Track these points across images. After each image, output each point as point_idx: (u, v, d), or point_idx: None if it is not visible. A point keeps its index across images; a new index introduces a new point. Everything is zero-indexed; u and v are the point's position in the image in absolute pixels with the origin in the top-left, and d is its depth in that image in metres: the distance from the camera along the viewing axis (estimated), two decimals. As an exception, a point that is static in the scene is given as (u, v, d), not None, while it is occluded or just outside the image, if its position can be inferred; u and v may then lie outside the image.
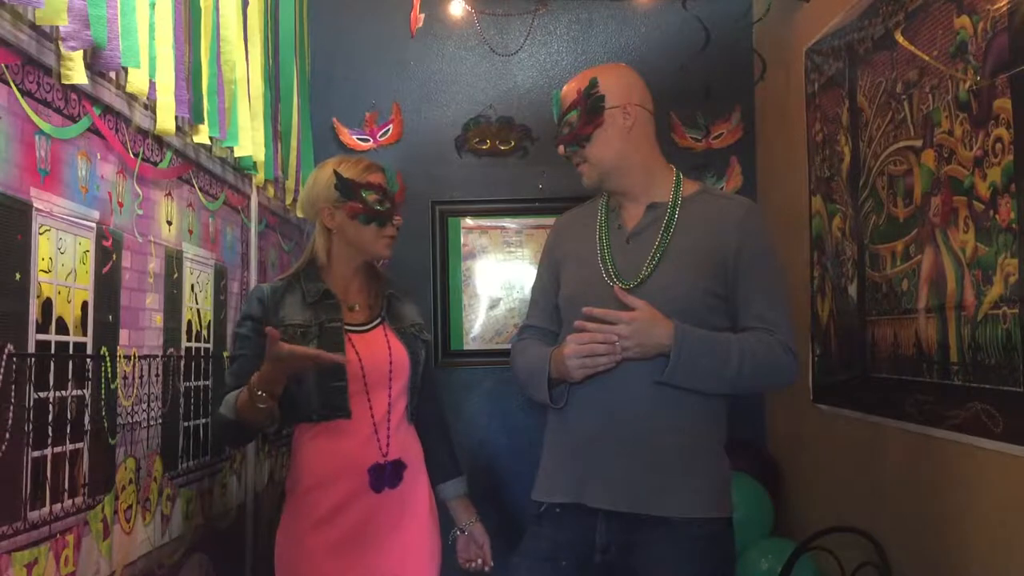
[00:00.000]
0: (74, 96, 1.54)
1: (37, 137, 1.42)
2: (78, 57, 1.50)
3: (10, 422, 1.33)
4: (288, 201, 2.96)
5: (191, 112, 1.97)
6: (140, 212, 1.80)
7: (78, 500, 1.54)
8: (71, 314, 1.52)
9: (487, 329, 3.41)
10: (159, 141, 1.91)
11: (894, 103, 2.22)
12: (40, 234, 1.42)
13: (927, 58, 2.05)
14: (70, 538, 1.51)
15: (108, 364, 1.66)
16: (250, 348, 1.90)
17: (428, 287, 3.36)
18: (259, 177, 2.58)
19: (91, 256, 1.59)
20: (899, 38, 2.19)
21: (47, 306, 1.44)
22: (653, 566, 1.70)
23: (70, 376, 1.52)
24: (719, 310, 1.76)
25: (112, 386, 1.67)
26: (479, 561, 2.09)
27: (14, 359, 1.34)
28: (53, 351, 1.46)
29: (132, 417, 1.76)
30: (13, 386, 1.34)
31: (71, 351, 1.52)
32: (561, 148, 1.86)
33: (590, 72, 1.86)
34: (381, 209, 1.97)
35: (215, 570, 2.21)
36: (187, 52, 1.97)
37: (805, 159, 2.85)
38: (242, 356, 1.92)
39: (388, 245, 2.01)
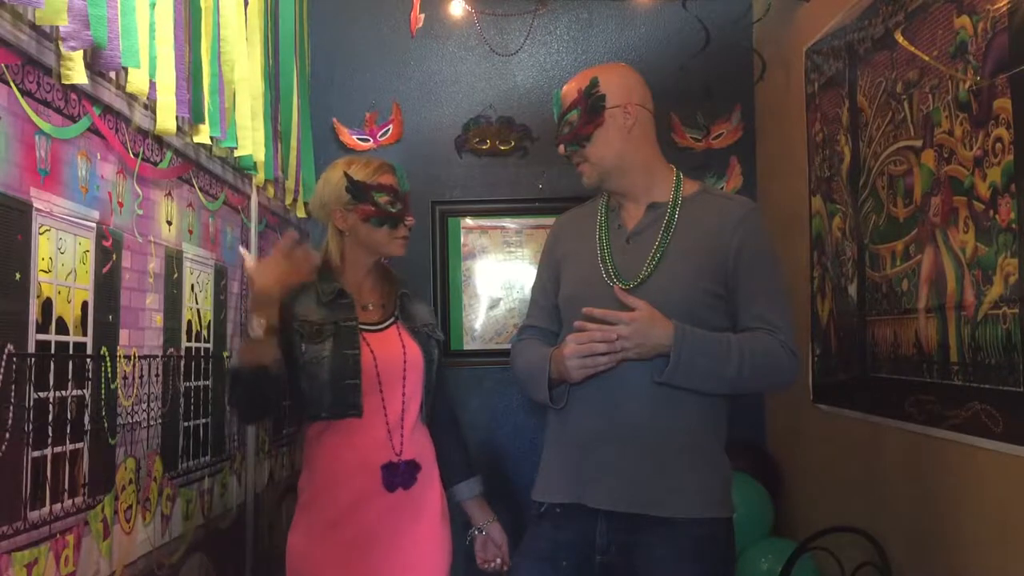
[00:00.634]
0: (74, 96, 1.54)
1: (37, 137, 1.42)
2: (78, 57, 1.50)
3: (10, 422, 1.33)
4: (288, 201, 2.96)
5: (191, 112, 1.97)
6: (140, 212, 1.80)
7: (78, 500, 1.54)
8: (71, 314, 1.52)
9: (487, 329, 3.41)
10: (159, 141, 1.91)
11: (894, 103, 2.22)
12: (40, 234, 1.42)
13: (927, 58, 2.05)
14: (70, 538, 1.51)
15: (108, 364, 1.66)
16: None
17: (428, 287, 3.36)
18: (259, 177, 2.58)
19: (91, 256, 1.59)
20: (899, 38, 2.19)
21: (47, 306, 1.44)
22: (653, 566, 1.69)
23: (70, 376, 1.52)
24: (719, 310, 1.76)
25: (112, 386, 1.67)
26: (498, 561, 2.09)
27: (14, 359, 1.34)
28: (53, 351, 1.46)
29: (132, 417, 1.76)
30: (13, 386, 1.34)
31: (71, 351, 1.52)
32: (561, 148, 1.86)
33: (591, 71, 1.85)
34: (393, 211, 1.97)
35: (215, 570, 2.21)
36: (187, 52, 1.97)
37: (805, 159, 2.85)
38: None
39: (402, 245, 2.01)
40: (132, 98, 1.77)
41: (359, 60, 3.43)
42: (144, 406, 1.82)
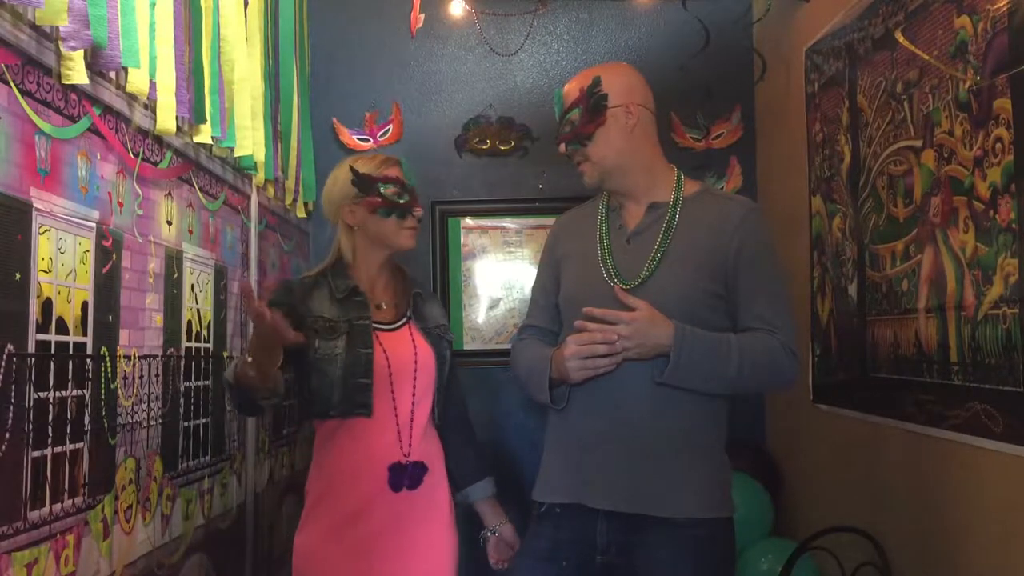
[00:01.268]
0: (74, 96, 1.54)
1: (37, 137, 1.42)
2: (78, 57, 1.50)
3: (10, 422, 1.33)
4: (288, 201, 2.96)
5: (192, 112, 1.97)
6: (140, 212, 1.80)
7: (78, 500, 1.54)
8: (71, 314, 1.52)
9: (487, 329, 3.41)
10: (159, 141, 1.91)
11: (894, 103, 2.22)
12: (40, 234, 1.42)
13: (927, 58, 2.05)
14: (70, 538, 1.51)
15: (108, 364, 1.66)
16: None
17: (428, 287, 3.35)
18: (259, 177, 2.58)
19: (91, 256, 1.59)
20: (899, 38, 2.19)
21: (47, 306, 1.44)
22: (653, 566, 1.70)
23: (70, 376, 1.52)
24: (720, 310, 1.76)
25: (112, 386, 1.67)
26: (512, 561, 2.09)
27: (14, 359, 1.34)
28: (53, 351, 1.46)
29: (132, 417, 1.76)
30: (13, 386, 1.34)
31: (71, 351, 1.52)
32: (562, 147, 1.85)
33: (593, 71, 1.85)
34: (400, 201, 1.97)
35: (215, 570, 2.21)
36: (187, 52, 1.97)
37: (805, 159, 2.85)
38: None
39: (411, 236, 2.02)
40: (132, 98, 1.77)
41: (359, 60, 3.43)
42: (144, 406, 1.82)
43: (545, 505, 1.81)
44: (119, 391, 1.70)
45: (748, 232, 1.77)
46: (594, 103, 1.80)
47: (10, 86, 1.34)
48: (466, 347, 3.37)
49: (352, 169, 1.97)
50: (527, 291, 3.20)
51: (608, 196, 1.90)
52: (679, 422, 1.72)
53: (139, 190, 1.80)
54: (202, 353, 2.16)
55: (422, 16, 3.11)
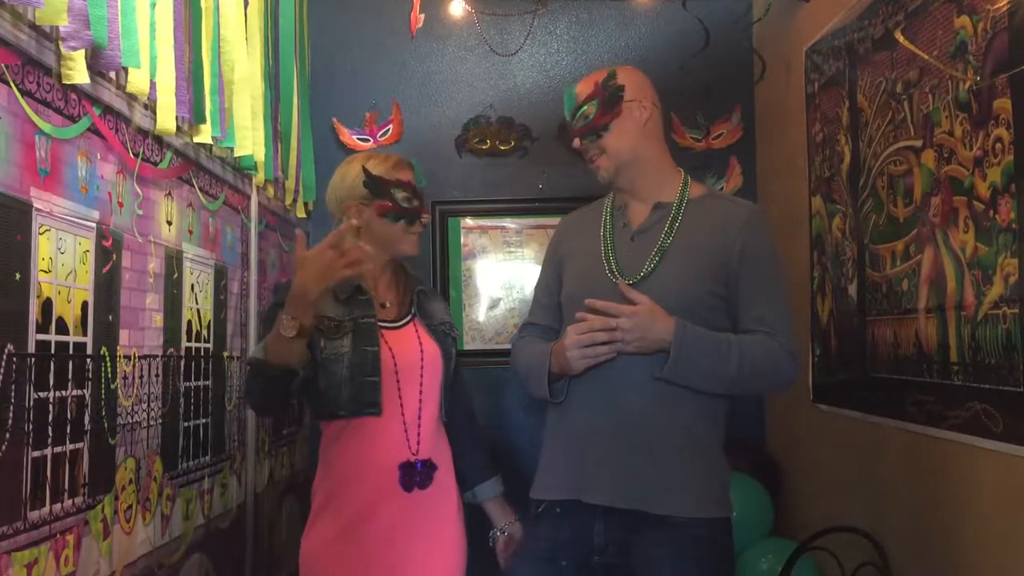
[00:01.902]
0: (74, 96, 1.54)
1: (37, 137, 1.42)
2: (79, 57, 1.50)
3: (10, 422, 1.33)
4: (288, 201, 2.97)
5: (192, 112, 1.97)
6: (140, 212, 1.80)
7: (78, 500, 1.54)
8: (71, 314, 1.52)
9: (487, 329, 3.41)
10: (159, 141, 1.91)
11: (894, 103, 2.22)
12: (40, 234, 1.42)
13: (927, 58, 2.05)
14: (70, 538, 1.51)
15: (108, 364, 1.66)
16: None
17: (429, 286, 3.35)
18: (259, 177, 2.58)
19: (91, 256, 1.59)
20: (899, 38, 2.19)
21: (47, 306, 1.44)
22: (652, 566, 1.69)
23: (70, 376, 1.52)
24: (720, 311, 1.76)
25: (112, 386, 1.67)
26: None
27: (14, 359, 1.34)
28: (53, 351, 1.46)
29: (132, 417, 1.76)
30: (13, 386, 1.34)
31: (71, 351, 1.52)
32: (577, 141, 1.86)
33: (604, 69, 1.87)
34: (410, 207, 1.97)
35: (215, 570, 2.21)
36: (187, 52, 1.97)
37: (805, 159, 2.85)
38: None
39: (415, 243, 2.00)
40: (132, 98, 1.77)
41: (359, 60, 3.43)
42: (144, 406, 1.82)
43: (543, 505, 1.81)
44: (119, 391, 1.70)
45: (751, 235, 1.78)
46: (610, 94, 1.81)
47: (10, 86, 1.34)
48: (466, 347, 3.37)
49: (365, 170, 1.95)
50: (527, 291, 3.20)
51: (614, 196, 1.91)
52: (678, 418, 1.72)
53: (139, 190, 1.80)
54: (202, 353, 2.17)
55: (422, 16, 3.11)
